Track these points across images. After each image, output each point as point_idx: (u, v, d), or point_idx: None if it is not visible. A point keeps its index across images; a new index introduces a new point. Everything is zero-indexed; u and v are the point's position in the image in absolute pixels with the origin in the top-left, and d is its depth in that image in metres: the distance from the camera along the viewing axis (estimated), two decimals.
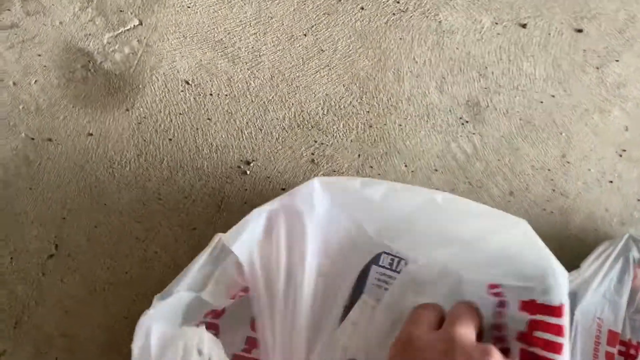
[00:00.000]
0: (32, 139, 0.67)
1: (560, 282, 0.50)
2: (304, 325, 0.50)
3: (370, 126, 0.74)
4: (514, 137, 0.76)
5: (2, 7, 0.70)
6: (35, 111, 0.68)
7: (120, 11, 0.72)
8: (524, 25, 0.77)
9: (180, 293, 0.52)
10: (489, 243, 0.53)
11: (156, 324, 0.49)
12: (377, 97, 0.74)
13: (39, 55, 0.70)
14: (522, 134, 0.76)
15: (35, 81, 0.69)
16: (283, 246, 0.52)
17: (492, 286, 0.53)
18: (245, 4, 0.74)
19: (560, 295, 0.50)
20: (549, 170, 0.75)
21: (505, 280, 0.51)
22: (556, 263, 0.51)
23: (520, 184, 0.74)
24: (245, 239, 0.51)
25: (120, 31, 0.72)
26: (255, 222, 0.52)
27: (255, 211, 0.53)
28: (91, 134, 0.68)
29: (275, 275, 0.50)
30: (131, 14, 0.72)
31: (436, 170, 0.74)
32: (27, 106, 0.68)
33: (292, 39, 0.74)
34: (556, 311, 0.49)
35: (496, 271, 0.52)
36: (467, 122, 0.75)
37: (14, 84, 0.68)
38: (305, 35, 0.75)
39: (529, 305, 0.50)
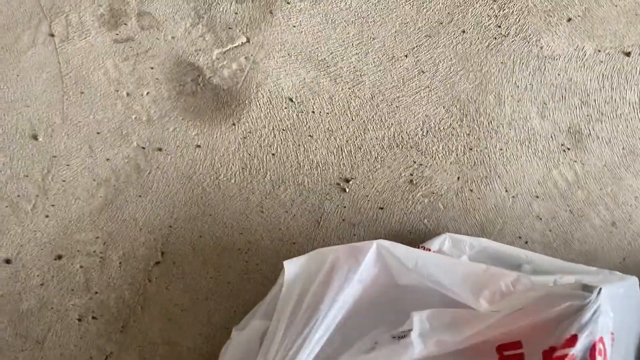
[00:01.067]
0: (143, 148, 0.68)
1: None
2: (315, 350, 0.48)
3: (471, 149, 0.72)
4: (616, 167, 0.73)
5: (119, 21, 0.72)
6: (146, 122, 0.69)
7: (229, 28, 0.73)
8: (627, 54, 0.74)
9: (256, 322, 0.52)
10: None
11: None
12: (477, 120, 0.73)
13: (152, 68, 0.71)
14: (625, 163, 0.73)
15: (147, 93, 0.71)
16: (327, 286, 0.53)
17: None
18: (348, 25, 0.74)
19: None
20: None
21: None
22: None
23: (622, 214, 0.71)
24: (299, 272, 0.52)
25: (228, 48, 0.73)
26: (312, 259, 0.52)
27: (318, 251, 0.52)
28: (199, 146, 0.68)
29: (306, 306, 0.50)
30: (239, 31, 0.73)
31: (537, 197, 0.71)
32: (139, 116, 0.69)
33: (393, 60, 0.74)
34: None
35: None
36: (568, 149, 0.73)
37: (128, 94, 0.70)
38: (406, 56, 0.74)
39: None
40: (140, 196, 0.63)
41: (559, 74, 0.70)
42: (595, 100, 0.69)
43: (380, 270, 0.53)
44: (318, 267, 0.51)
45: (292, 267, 0.51)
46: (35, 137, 0.63)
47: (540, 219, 0.66)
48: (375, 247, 0.51)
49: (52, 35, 0.67)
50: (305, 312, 0.49)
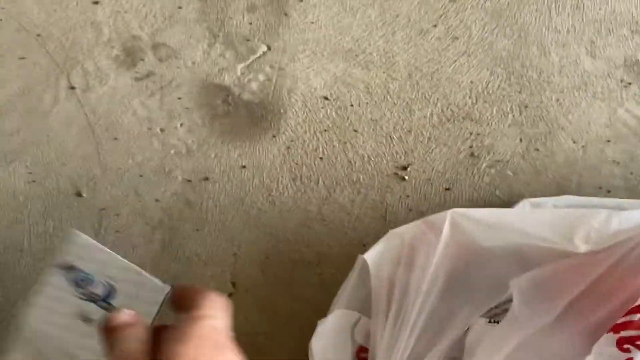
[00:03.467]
0: (189, 181, 0.65)
1: None
2: (412, 343, 0.47)
3: (526, 106, 0.67)
4: None
5: (135, 58, 0.69)
6: (186, 153, 0.66)
7: (247, 40, 0.70)
8: None
9: (340, 312, 0.50)
10: None
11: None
12: (525, 75, 0.67)
13: (179, 98, 0.68)
14: None
15: (181, 124, 0.67)
16: (411, 268, 0.50)
17: None
18: (367, 8, 0.69)
19: None
20: None
21: None
22: None
23: None
24: (381, 258, 0.50)
25: (251, 60, 0.69)
26: (388, 243, 0.50)
27: (391, 233, 0.50)
28: (244, 167, 0.64)
29: (397, 293, 0.48)
30: (258, 40, 0.70)
31: (608, 141, 0.65)
32: (178, 150, 0.66)
33: (423, 33, 0.69)
34: None
35: None
36: (629, 83, 0.67)
37: (162, 130, 0.67)
38: (435, 26, 0.69)
39: None
40: (197, 230, 0.59)
41: (600, 9, 0.64)
42: None
43: (461, 239, 0.49)
44: (398, 250, 0.50)
45: (373, 258, 0.49)
46: (79, 194, 0.60)
47: (618, 163, 0.60)
48: (450, 216, 0.48)
49: (73, 88, 0.65)
50: (401, 302, 0.46)
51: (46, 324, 0.54)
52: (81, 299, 0.56)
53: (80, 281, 0.56)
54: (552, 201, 0.54)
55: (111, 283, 0.57)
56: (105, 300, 0.56)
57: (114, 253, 0.57)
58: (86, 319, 0.55)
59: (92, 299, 0.56)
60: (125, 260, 0.57)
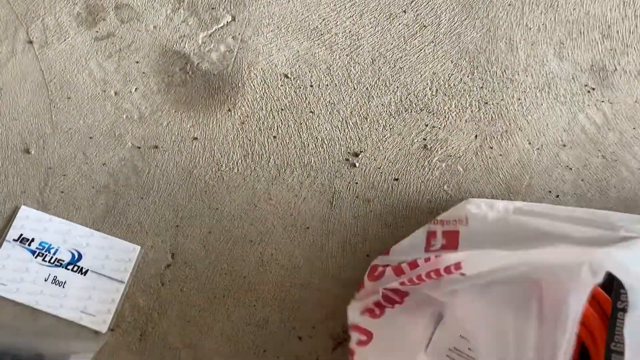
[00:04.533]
0: (139, 147, 0.64)
1: None
2: None
3: (486, 103, 0.66)
4: None
5: (97, 18, 0.67)
6: (138, 119, 0.65)
7: (212, 8, 0.67)
8: None
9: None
10: None
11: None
12: (490, 71, 0.66)
13: (137, 62, 0.66)
14: None
15: (136, 89, 0.66)
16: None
17: None
18: None
19: None
20: None
21: None
22: None
23: None
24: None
25: (214, 29, 0.67)
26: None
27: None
28: (196, 138, 0.61)
29: None
30: (223, 9, 0.67)
31: (564, 145, 0.64)
32: (131, 115, 0.65)
33: (391, 18, 0.67)
34: None
35: None
36: (593, 89, 0.65)
37: (116, 93, 0.65)
38: (404, 12, 0.67)
39: None
40: (142, 198, 0.58)
41: (574, 9, 0.62)
42: (617, 32, 0.62)
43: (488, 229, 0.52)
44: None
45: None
46: (27, 151, 0.59)
47: (571, 168, 0.59)
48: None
49: (31, 42, 0.63)
50: None
51: (17, 292, 0.54)
52: (48, 266, 0.56)
53: (44, 251, 0.56)
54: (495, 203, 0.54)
55: (76, 249, 0.57)
56: (73, 264, 0.56)
57: (72, 223, 0.57)
58: (57, 282, 0.55)
59: (59, 264, 0.56)
60: (85, 228, 0.57)
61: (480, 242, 0.50)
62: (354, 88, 0.61)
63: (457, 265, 0.44)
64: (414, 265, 0.47)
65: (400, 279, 0.48)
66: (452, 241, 0.51)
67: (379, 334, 0.49)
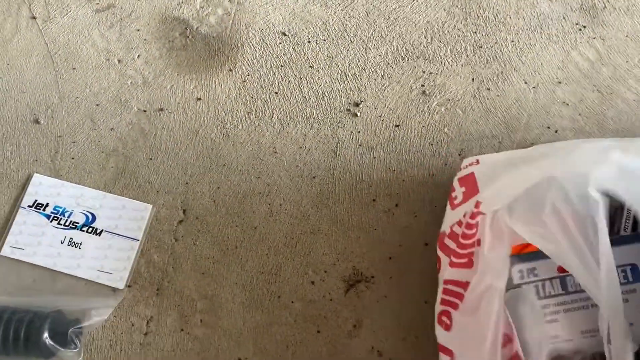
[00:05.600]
0: (144, 111, 0.65)
1: None
2: None
3: (480, 47, 0.67)
4: None
5: None
6: (142, 84, 0.66)
7: None
8: None
9: None
10: None
11: None
12: (482, 16, 0.67)
13: (138, 30, 0.68)
14: None
15: (139, 56, 0.67)
16: None
17: None
18: None
19: None
20: None
21: None
22: None
23: None
24: None
25: None
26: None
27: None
28: (200, 99, 0.63)
29: None
30: None
31: (559, 82, 0.65)
32: (135, 81, 0.66)
33: None
34: None
35: None
36: (584, 27, 0.67)
37: (119, 61, 0.67)
38: None
39: None
40: (151, 159, 0.60)
41: None
42: None
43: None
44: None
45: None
46: (37, 121, 0.61)
47: (567, 104, 0.60)
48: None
49: (34, 18, 0.64)
50: None
51: (35, 255, 0.56)
52: (63, 229, 0.57)
53: (58, 215, 0.57)
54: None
55: (90, 211, 0.58)
56: (87, 225, 0.57)
57: (84, 187, 0.58)
58: (73, 243, 0.57)
59: (74, 227, 0.57)
60: (97, 190, 0.58)
61: (497, 175, 0.45)
62: (351, 41, 0.62)
63: (477, 205, 0.41)
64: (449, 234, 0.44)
65: (452, 255, 0.44)
66: (470, 186, 0.47)
67: (458, 350, 0.42)
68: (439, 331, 0.45)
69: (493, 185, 0.42)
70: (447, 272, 0.45)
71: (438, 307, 0.46)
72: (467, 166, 0.50)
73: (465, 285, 0.43)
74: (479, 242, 0.42)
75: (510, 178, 0.42)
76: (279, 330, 0.55)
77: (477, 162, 0.49)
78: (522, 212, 0.39)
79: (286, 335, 0.55)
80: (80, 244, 0.57)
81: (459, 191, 0.49)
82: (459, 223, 0.43)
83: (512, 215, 0.39)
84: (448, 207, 0.50)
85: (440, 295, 0.46)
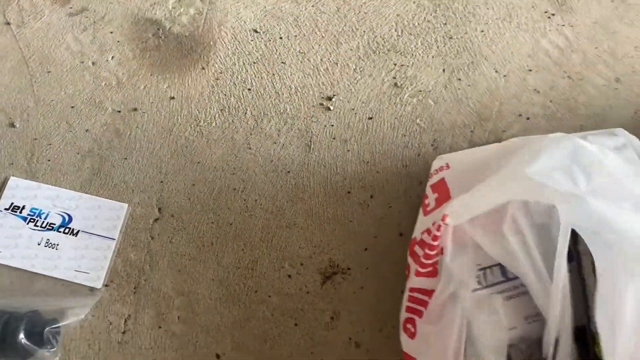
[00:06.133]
0: (119, 111, 0.65)
1: None
2: None
3: (450, 38, 0.67)
4: (608, 21, 0.66)
5: None
6: (116, 85, 0.67)
7: None
8: None
9: None
10: None
11: None
12: (451, 8, 0.68)
13: (111, 32, 0.68)
14: (618, 15, 0.66)
15: (112, 57, 0.68)
16: None
17: None
18: None
19: None
20: None
21: None
22: None
23: (625, 68, 0.65)
24: None
25: None
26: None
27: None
28: (173, 98, 0.63)
29: None
30: None
31: (530, 70, 0.65)
32: (109, 82, 0.67)
33: None
34: None
35: None
36: (553, 14, 0.67)
37: (93, 63, 0.67)
38: None
39: None
40: (125, 159, 0.60)
41: None
42: None
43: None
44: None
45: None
46: (12, 125, 0.61)
47: (538, 91, 0.60)
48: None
49: (8, 24, 0.65)
50: None
51: (12, 258, 0.56)
52: (40, 230, 0.57)
53: (35, 217, 0.58)
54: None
55: (66, 212, 0.58)
56: (64, 226, 0.57)
57: (61, 188, 0.58)
58: (50, 244, 0.57)
59: (51, 228, 0.57)
60: (73, 191, 0.59)
61: (467, 181, 0.45)
62: (322, 36, 0.63)
63: (443, 218, 0.41)
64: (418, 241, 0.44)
65: (417, 264, 0.44)
66: (442, 192, 0.47)
67: (422, 358, 0.43)
68: (404, 338, 0.46)
69: (461, 193, 0.41)
70: (412, 281, 0.45)
71: (403, 315, 0.46)
72: (437, 171, 0.50)
73: (430, 293, 0.44)
74: (442, 251, 0.43)
75: (477, 195, 0.41)
76: (257, 325, 0.55)
77: (447, 166, 0.50)
78: (483, 221, 0.40)
79: (264, 330, 0.55)
80: (57, 244, 0.58)
81: (431, 198, 0.49)
82: (428, 231, 0.43)
83: (473, 225, 0.40)
84: (421, 213, 0.50)
85: (405, 303, 0.46)
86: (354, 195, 0.58)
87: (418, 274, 0.44)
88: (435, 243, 0.42)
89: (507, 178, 0.41)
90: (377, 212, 0.58)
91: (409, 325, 0.45)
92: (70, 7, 0.65)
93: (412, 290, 0.45)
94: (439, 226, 0.41)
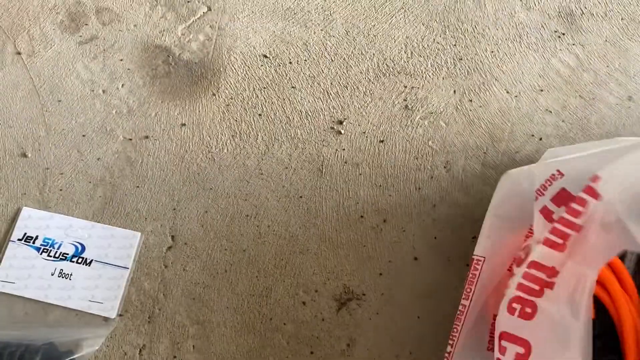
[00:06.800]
0: (130, 139, 0.66)
1: None
2: None
3: (460, 59, 0.67)
4: (619, 39, 0.66)
5: (80, 23, 0.70)
6: (127, 113, 0.67)
7: (188, 2, 0.70)
8: None
9: None
10: None
11: None
12: (460, 29, 0.68)
13: (121, 60, 0.69)
14: (628, 33, 0.66)
15: (122, 85, 0.68)
16: None
17: None
18: None
19: None
20: None
21: None
22: None
23: (637, 86, 0.64)
24: None
25: (191, 21, 0.70)
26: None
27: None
28: (184, 124, 0.64)
29: None
30: (198, 1, 0.70)
31: (541, 90, 0.65)
32: (120, 110, 0.67)
33: None
34: None
35: None
36: (563, 34, 0.67)
37: (104, 91, 0.68)
38: None
39: None
40: (138, 187, 0.60)
41: None
42: None
43: None
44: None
45: None
46: (24, 155, 0.61)
47: (550, 111, 0.60)
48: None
49: (19, 54, 0.65)
50: None
51: (26, 288, 0.56)
52: (53, 260, 0.57)
53: (48, 247, 0.58)
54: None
55: (79, 242, 0.58)
56: (77, 256, 0.57)
57: (73, 218, 0.58)
58: (63, 275, 0.57)
59: (64, 258, 0.57)
60: (86, 221, 0.59)
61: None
62: (332, 60, 0.63)
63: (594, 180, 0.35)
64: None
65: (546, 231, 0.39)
66: (566, 201, 0.41)
67: (537, 342, 0.37)
68: (509, 319, 0.40)
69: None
70: (537, 251, 0.39)
71: (513, 292, 0.40)
72: (548, 181, 0.44)
73: (550, 271, 0.38)
74: (579, 229, 0.37)
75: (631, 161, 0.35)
76: (272, 353, 0.55)
77: (560, 174, 0.43)
78: None
79: (279, 358, 0.55)
80: (71, 274, 0.57)
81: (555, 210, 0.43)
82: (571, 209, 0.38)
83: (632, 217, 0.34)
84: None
85: (519, 279, 0.40)
86: (367, 219, 0.58)
87: (547, 241, 0.38)
88: (580, 208, 0.36)
89: None
90: (390, 236, 0.57)
91: (516, 305, 0.39)
92: (80, 36, 0.65)
93: (530, 266, 0.39)
94: (590, 188, 0.35)
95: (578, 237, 0.38)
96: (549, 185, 0.44)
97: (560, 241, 0.38)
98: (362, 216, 0.59)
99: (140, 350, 0.56)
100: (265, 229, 0.59)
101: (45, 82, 0.64)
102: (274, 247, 0.58)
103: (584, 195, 0.36)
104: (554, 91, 0.61)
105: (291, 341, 0.55)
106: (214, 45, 0.64)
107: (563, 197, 0.42)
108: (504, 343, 0.39)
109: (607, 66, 0.61)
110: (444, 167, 0.59)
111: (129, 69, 0.64)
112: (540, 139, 0.60)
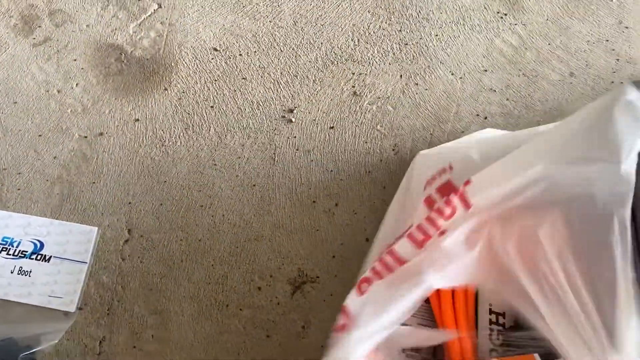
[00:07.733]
0: (85, 137, 0.67)
1: None
2: None
3: (406, 44, 0.68)
4: (560, 17, 0.68)
5: (33, 26, 0.71)
6: (82, 111, 0.68)
7: (139, 0, 0.71)
8: None
9: None
10: None
11: None
12: (405, 14, 0.69)
13: (75, 60, 0.70)
14: (569, 11, 0.68)
15: (77, 84, 0.69)
16: None
17: None
18: None
19: None
20: (607, 40, 0.66)
21: None
22: None
23: (578, 62, 0.66)
24: None
25: (142, 19, 0.71)
26: None
27: None
28: (138, 120, 0.65)
29: None
30: (149, 0, 0.71)
31: (485, 70, 0.66)
32: (74, 109, 0.68)
33: None
34: None
35: None
36: (505, 14, 0.68)
37: (58, 91, 0.68)
38: None
39: None
40: (94, 183, 0.61)
41: None
42: None
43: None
44: None
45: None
46: None
47: (495, 90, 0.62)
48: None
49: None
50: None
51: None
52: (12, 258, 0.58)
53: (7, 245, 0.59)
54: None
55: (38, 239, 0.59)
56: (36, 253, 0.58)
57: (31, 216, 0.60)
58: (22, 272, 0.58)
59: (23, 255, 0.58)
60: (44, 218, 0.60)
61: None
62: (281, 50, 0.64)
63: (467, 183, 0.36)
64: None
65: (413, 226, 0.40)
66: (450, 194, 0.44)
67: (360, 314, 0.40)
68: (352, 295, 0.43)
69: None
70: (399, 243, 0.40)
71: (367, 273, 0.43)
72: (439, 174, 0.45)
73: (402, 263, 0.40)
74: (442, 233, 0.37)
75: (500, 167, 0.36)
76: (230, 339, 0.56)
77: (450, 168, 0.45)
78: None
79: (237, 343, 0.56)
80: (30, 271, 0.59)
81: (437, 200, 0.44)
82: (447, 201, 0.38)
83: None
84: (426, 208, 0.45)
85: (374, 263, 0.42)
86: (319, 204, 0.59)
87: (410, 236, 0.39)
88: (447, 209, 0.37)
89: (537, 145, 0.36)
90: (342, 219, 0.59)
91: (363, 285, 0.42)
92: (34, 38, 0.66)
93: (389, 252, 0.40)
94: (459, 192, 0.36)
95: (437, 239, 0.38)
96: (436, 176, 0.45)
97: (421, 237, 0.39)
98: (314, 201, 0.60)
99: (100, 342, 0.57)
100: (219, 219, 0.60)
101: (1, 85, 0.65)
102: (228, 236, 0.59)
103: (454, 200, 0.37)
104: (497, 71, 0.62)
105: (247, 326, 0.56)
106: (165, 41, 0.65)
107: (446, 190, 0.43)
108: (341, 316, 0.42)
109: (549, 44, 0.62)
110: (393, 150, 0.60)
111: (82, 69, 0.65)
112: (486, 117, 0.61)
